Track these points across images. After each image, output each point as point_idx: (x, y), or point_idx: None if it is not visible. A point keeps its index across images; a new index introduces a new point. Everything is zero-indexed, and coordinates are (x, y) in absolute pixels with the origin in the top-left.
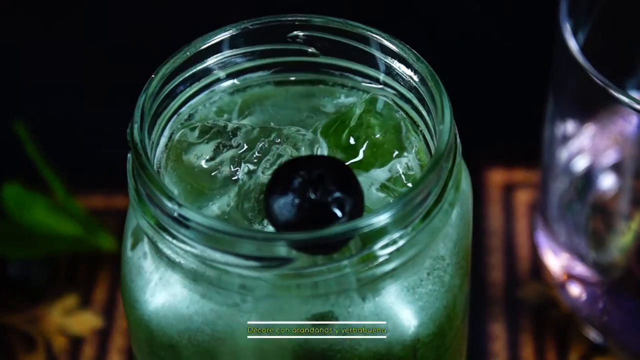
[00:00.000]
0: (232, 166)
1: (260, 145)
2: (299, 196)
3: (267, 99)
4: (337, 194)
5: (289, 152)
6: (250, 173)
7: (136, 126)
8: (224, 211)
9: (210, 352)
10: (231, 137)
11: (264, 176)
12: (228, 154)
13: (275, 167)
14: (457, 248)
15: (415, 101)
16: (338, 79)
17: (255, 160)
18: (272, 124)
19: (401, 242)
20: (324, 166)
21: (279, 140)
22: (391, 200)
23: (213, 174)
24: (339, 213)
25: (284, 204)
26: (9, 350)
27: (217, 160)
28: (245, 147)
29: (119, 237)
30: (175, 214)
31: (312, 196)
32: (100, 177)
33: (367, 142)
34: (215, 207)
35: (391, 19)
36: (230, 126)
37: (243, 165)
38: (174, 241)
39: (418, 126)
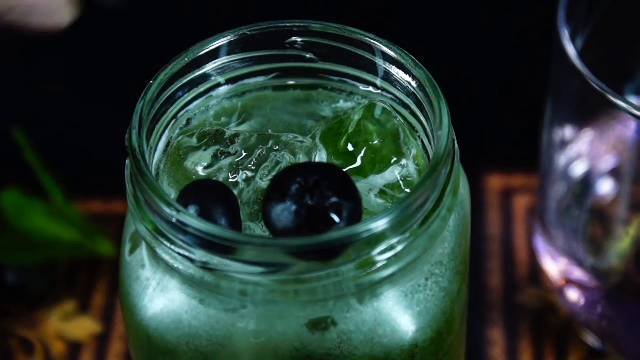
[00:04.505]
0: (230, 173)
1: (258, 152)
2: (296, 203)
3: (266, 104)
4: (335, 200)
5: (287, 159)
6: (248, 180)
7: (134, 132)
8: None
9: (208, 357)
10: (229, 144)
11: (262, 182)
12: (226, 162)
13: (273, 174)
14: (455, 253)
15: (414, 107)
16: (336, 84)
17: (253, 168)
18: (270, 130)
19: (399, 248)
20: (321, 172)
21: (277, 147)
22: (390, 206)
23: None
24: (336, 219)
25: (281, 211)
26: (8, 355)
27: (215, 167)
28: (244, 154)
29: (117, 243)
30: (174, 220)
31: (310, 202)
32: (99, 183)
33: (365, 148)
34: None
35: (389, 24)
36: (228, 133)
37: (241, 172)
38: (173, 247)
39: (416, 132)
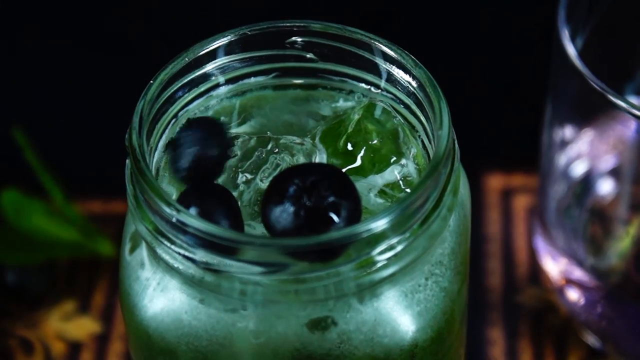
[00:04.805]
0: (230, 175)
1: (257, 155)
2: (294, 204)
3: (266, 104)
4: (333, 199)
5: (287, 161)
6: (248, 182)
7: (134, 132)
8: None
9: (208, 357)
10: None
11: (262, 184)
12: (226, 164)
13: (273, 175)
14: (455, 253)
15: (414, 106)
16: (336, 84)
17: (253, 170)
18: (269, 132)
19: (399, 248)
20: (318, 173)
21: (276, 149)
22: (390, 206)
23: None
24: (335, 218)
25: (279, 213)
26: (8, 355)
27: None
28: (243, 156)
29: (117, 243)
30: (174, 220)
31: (308, 203)
32: (99, 183)
33: (365, 147)
34: None
35: (389, 24)
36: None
37: (241, 175)
38: (173, 247)
39: (416, 131)
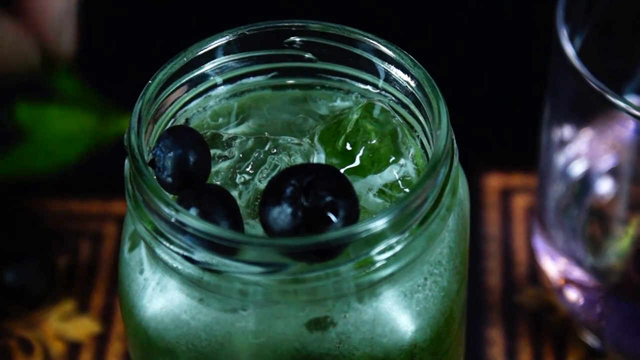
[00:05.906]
0: (228, 176)
1: (255, 156)
2: (291, 205)
3: (264, 104)
4: (330, 199)
5: (285, 161)
6: (246, 183)
7: (133, 132)
8: None
9: (208, 357)
10: (226, 147)
11: (260, 184)
12: (224, 165)
13: (272, 176)
14: (454, 253)
15: (412, 106)
16: (335, 84)
17: (251, 171)
18: (266, 133)
19: (398, 248)
20: (314, 173)
21: (274, 150)
22: (388, 206)
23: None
24: (333, 218)
25: (277, 214)
26: (7, 355)
27: (214, 170)
28: (241, 157)
29: (116, 243)
30: (173, 220)
31: (305, 203)
32: (98, 183)
33: (363, 147)
34: None
35: (388, 24)
36: (225, 136)
37: (239, 175)
38: (171, 246)
39: (415, 131)
